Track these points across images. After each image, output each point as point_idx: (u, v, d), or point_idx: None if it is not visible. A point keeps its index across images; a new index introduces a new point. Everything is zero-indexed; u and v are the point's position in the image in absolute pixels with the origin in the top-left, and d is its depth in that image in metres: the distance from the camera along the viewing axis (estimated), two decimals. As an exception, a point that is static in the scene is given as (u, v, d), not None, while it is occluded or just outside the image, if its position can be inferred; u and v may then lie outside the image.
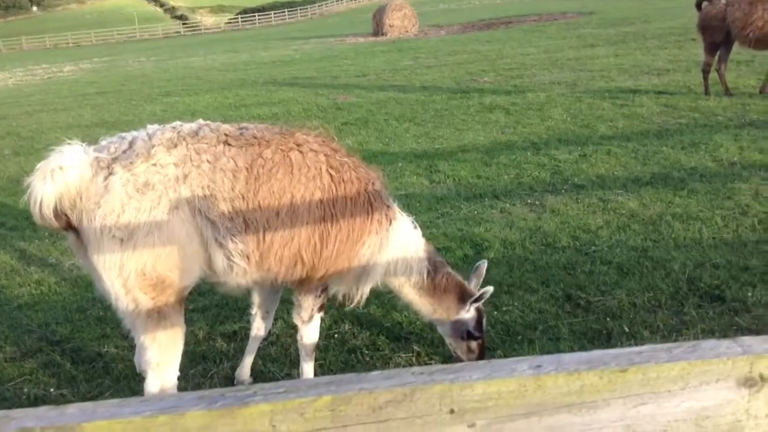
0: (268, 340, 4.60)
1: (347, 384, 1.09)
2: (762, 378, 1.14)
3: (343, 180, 3.54)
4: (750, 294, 4.59)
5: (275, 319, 4.85)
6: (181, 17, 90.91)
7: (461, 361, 3.98)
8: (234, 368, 4.27)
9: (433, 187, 7.74)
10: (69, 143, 3.13)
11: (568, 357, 1.15)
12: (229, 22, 79.76)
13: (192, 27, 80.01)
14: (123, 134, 3.33)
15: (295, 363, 4.23)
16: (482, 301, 3.91)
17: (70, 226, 3.14)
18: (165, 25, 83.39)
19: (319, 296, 3.79)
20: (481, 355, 4.01)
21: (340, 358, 4.35)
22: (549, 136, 9.49)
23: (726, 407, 1.15)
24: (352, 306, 3.97)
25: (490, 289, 3.89)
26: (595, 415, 1.12)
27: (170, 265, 3.18)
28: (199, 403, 1.06)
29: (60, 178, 2.99)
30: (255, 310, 4.11)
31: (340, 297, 3.97)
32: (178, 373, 3.42)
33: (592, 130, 9.59)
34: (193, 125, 3.38)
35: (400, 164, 8.72)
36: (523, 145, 9.13)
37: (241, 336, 4.68)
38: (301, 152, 3.46)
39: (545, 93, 12.73)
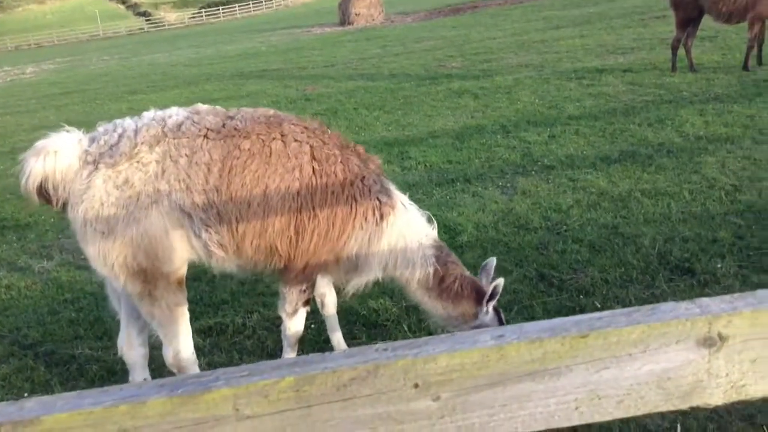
0: (244, 334, 4.58)
1: (310, 364, 1.09)
2: (721, 337, 1.15)
3: (326, 172, 3.47)
4: (719, 265, 4.66)
5: (251, 312, 4.83)
6: (144, 14, 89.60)
7: None
8: (210, 364, 4.24)
9: (405, 174, 7.74)
10: (68, 130, 3.34)
11: (530, 326, 1.16)
12: (193, 17, 78.73)
13: (155, 23, 78.97)
14: (117, 122, 3.42)
15: (272, 355, 4.22)
16: (497, 297, 3.67)
17: (51, 203, 3.33)
18: (128, 22, 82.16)
19: (305, 291, 3.72)
20: None
21: (317, 348, 4.34)
22: (518, 118, 9.53)
23: (687, 368, 1.16)
24: (349, 297, 3.95)
25: (500, 281, 3.63)
26: (559, 381, 1.13)
27: (151, 256, 3.28)
28: (160, 391, 1.05)
29: (50, 161, 3.21)
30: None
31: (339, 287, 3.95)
32: (191, 344, 3.55)
33: (560, 110, 9.66)
34: (181, 116, 3.38)
35: (371, 152, 8.69)
36: (492, 128, 9.16)
37: (217, 331, 4.65)
38: (283, 142, 3.42)
39: (513, 76, 12.78)
